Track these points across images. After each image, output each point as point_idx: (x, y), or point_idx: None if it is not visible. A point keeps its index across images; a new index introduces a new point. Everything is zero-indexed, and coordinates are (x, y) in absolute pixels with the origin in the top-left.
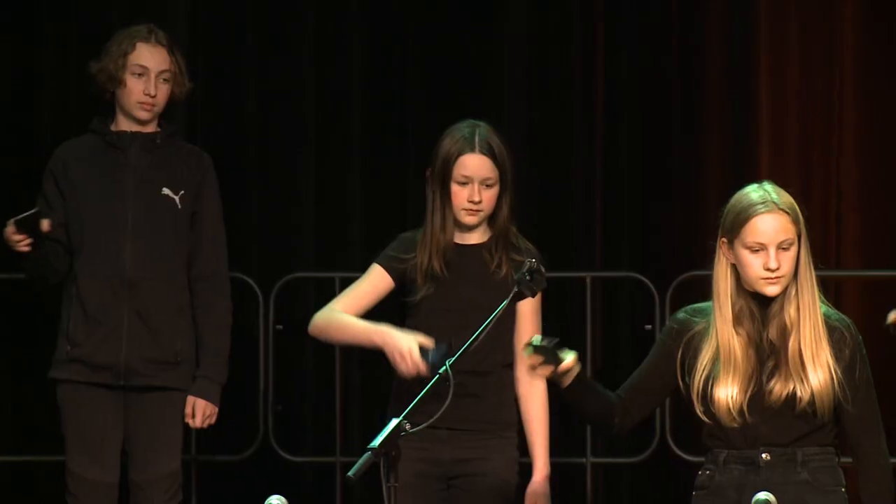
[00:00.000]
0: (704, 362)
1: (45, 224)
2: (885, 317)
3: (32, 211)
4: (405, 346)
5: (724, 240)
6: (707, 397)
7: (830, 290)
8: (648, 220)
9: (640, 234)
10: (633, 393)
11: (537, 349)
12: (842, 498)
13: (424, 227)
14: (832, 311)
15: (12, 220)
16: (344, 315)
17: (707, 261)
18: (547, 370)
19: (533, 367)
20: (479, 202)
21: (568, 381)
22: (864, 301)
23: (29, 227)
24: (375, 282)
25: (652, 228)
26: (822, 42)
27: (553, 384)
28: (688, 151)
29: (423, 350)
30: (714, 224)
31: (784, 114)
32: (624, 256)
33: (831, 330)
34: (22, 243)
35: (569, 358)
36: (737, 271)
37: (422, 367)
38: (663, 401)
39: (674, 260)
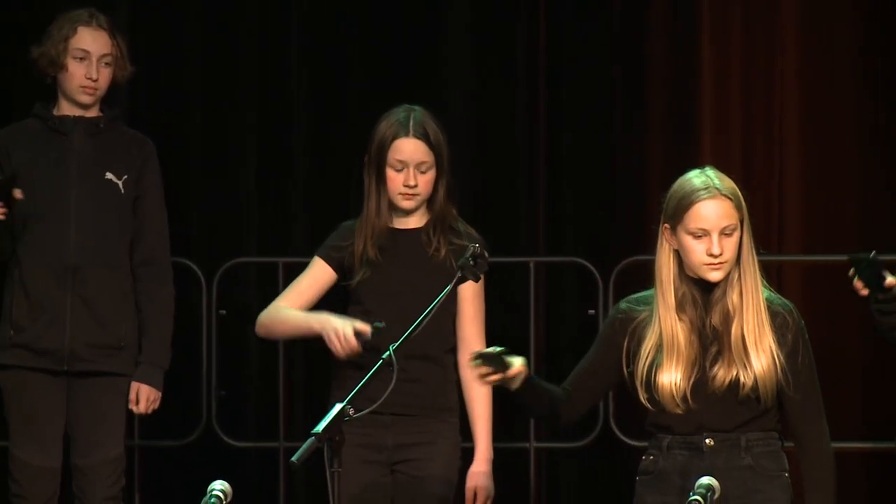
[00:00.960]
0: (648, 349)
1: (19, 193)
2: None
3: (7, 175)
4: (339, 326)
5: (666, 226)
6: (651, 384)
7: (773, 275)
8: (591, 205)
9: (584, 220)
10: (579, 385)
11: (482, 357)
12: (785, 483)
13: (362, 212)
14: (775, 296)
15: None
16: (285, 309)
17: (650, 246)
18: (494, 378)
19: (481, 377)
20: (415, 186)
21: (516, 385)
22: (806, 285)
23: (2, 193)
24: (316, 274)
25: (595, 213)
26: (765, 29)
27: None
28: (630, 137)
29: (357, 334)
30: (657, 209)
31: (726, 100)
32: (567, 241)
33: (774, 315)
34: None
35: (516, 363)
36: (679, 257)
37: (354, 344)
38: (608, 391)
39: (617, 245)
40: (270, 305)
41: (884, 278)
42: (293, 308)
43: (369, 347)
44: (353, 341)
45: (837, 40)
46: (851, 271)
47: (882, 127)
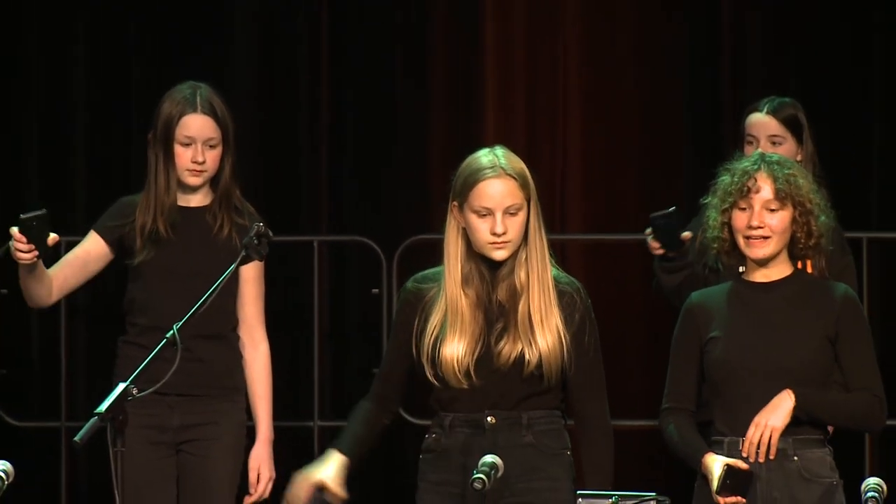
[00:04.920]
0: (434, 324)
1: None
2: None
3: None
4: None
5: (454, 204)
6: (435, 359)
7: (556, 254)
8: (375, 184)
9: (367, 199)
10: (389, 383)
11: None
12: (567, 461)
13: (146, 189)
14: (563, 275)
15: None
16: None
17: (434, 225)
18: None
19: None
20: (203, 163)
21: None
22: (588, 264)
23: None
24: (88, 246)
25: (379, 193)
26: (547, 8)
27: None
28: (414, 117)
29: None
30: (440, 188)
31: (510, 79)
32: (351, 220)
33: (561, 294)
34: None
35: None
36: (468, 234)
37: (19, 241)
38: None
39: (400, 224)
40: None
41: (679, 235)
42: (59, 277)
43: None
44: (18, 236)
45: (618, 22)
46: (649, 230)
47: (661, 108)
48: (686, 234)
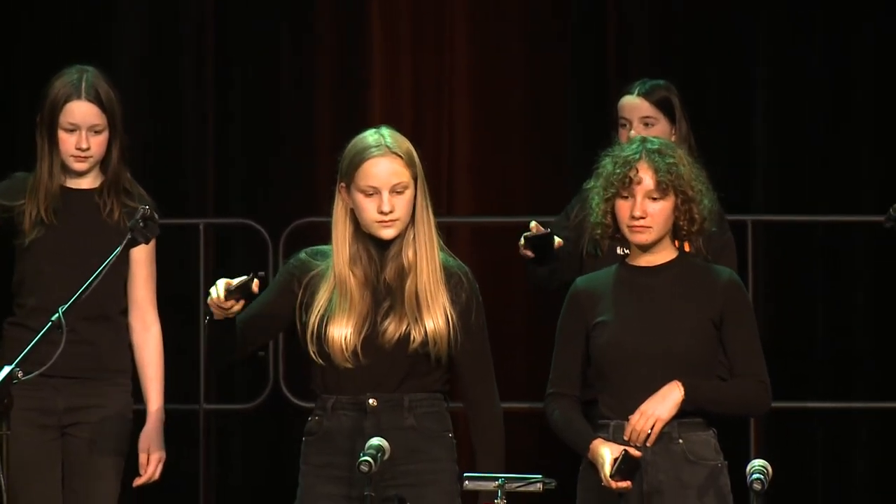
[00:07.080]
0: (321, 303)
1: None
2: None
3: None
4: None
5: (342, 185)
6: (322, 337)
7: (442, 238)
8: (261, 167)
9: (253, 181)
10: (251, 325)
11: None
12: (449, 443)
13: (34, 174)
14: (451, 259)
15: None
16: None
17: (320, 207)
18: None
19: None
20: (88, 149)
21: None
22: (475, 248)
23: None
24: None
25: (264, 175)
26: None
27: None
28: (299, 99)
29: None
30: (326, 171)
31: (396, 61)
32: (237, 203)
33: (449, 275)
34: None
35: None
36: (356, 215)
37: None
38: (278, 334)
39: (286, 207)
40: None
41: (552, 250)
42: None
43: None
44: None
45: (505, 4)
46: (522, 242)
47: (547, 91)
48: (559, 242)
